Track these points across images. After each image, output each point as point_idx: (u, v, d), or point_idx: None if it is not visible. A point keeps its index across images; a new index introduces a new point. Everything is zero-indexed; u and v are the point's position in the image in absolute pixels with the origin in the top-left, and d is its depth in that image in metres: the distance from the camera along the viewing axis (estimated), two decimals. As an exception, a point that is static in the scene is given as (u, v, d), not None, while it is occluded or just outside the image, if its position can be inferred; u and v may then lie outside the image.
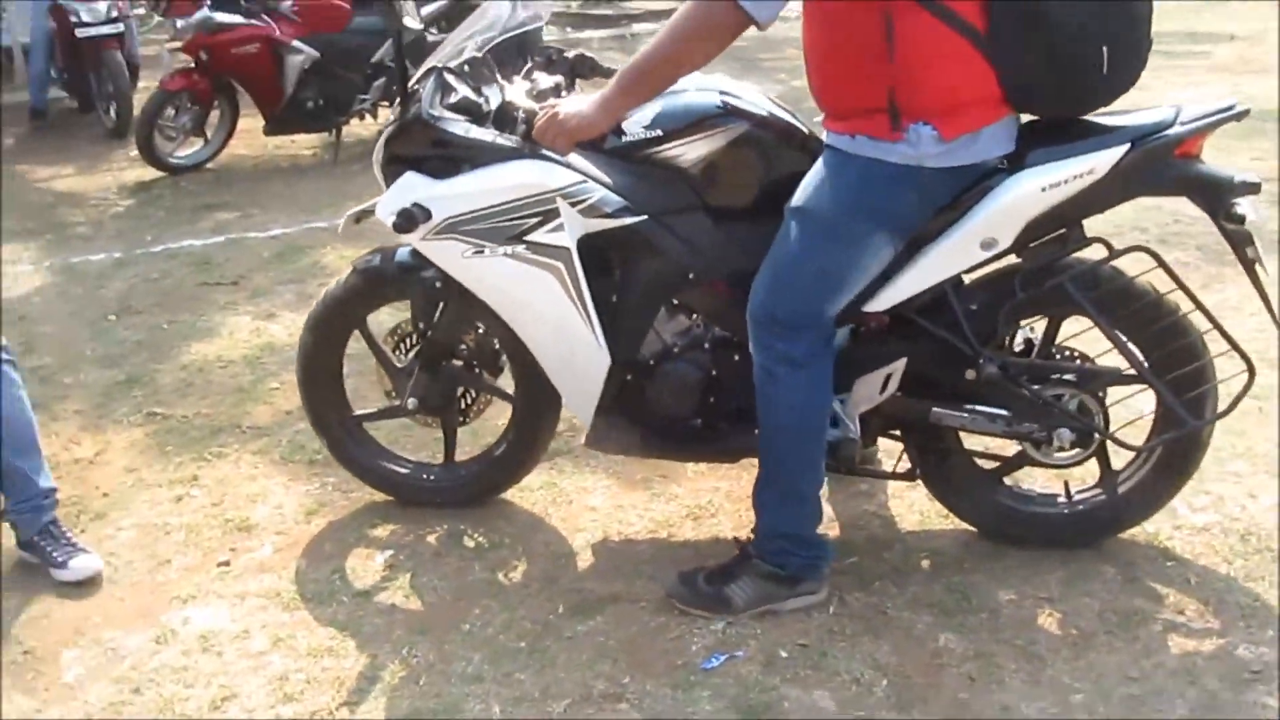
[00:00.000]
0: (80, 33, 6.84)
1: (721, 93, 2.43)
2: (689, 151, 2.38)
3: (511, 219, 2.39)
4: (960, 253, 2.29)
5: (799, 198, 2.26)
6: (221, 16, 6.00)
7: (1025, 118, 2.26)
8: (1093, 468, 2.54)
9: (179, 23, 6.04)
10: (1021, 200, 2.22)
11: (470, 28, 2.59)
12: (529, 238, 2.39)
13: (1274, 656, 2.23)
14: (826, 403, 2.33)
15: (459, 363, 2.74)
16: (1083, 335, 2.43)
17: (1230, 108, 2.27)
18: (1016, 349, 2.50)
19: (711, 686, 2.20)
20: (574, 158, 2.37)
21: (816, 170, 2.27)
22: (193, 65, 6.10)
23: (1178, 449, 2.48)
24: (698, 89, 2.42)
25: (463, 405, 2.81)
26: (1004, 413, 2.44)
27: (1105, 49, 2.12)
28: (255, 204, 5.74)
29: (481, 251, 2.42)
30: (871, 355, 2.45)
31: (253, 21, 6.07)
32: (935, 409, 2.46)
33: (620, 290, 2.48)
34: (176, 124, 6.14)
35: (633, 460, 2.90)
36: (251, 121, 6.51)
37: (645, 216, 2.40)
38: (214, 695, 2.24)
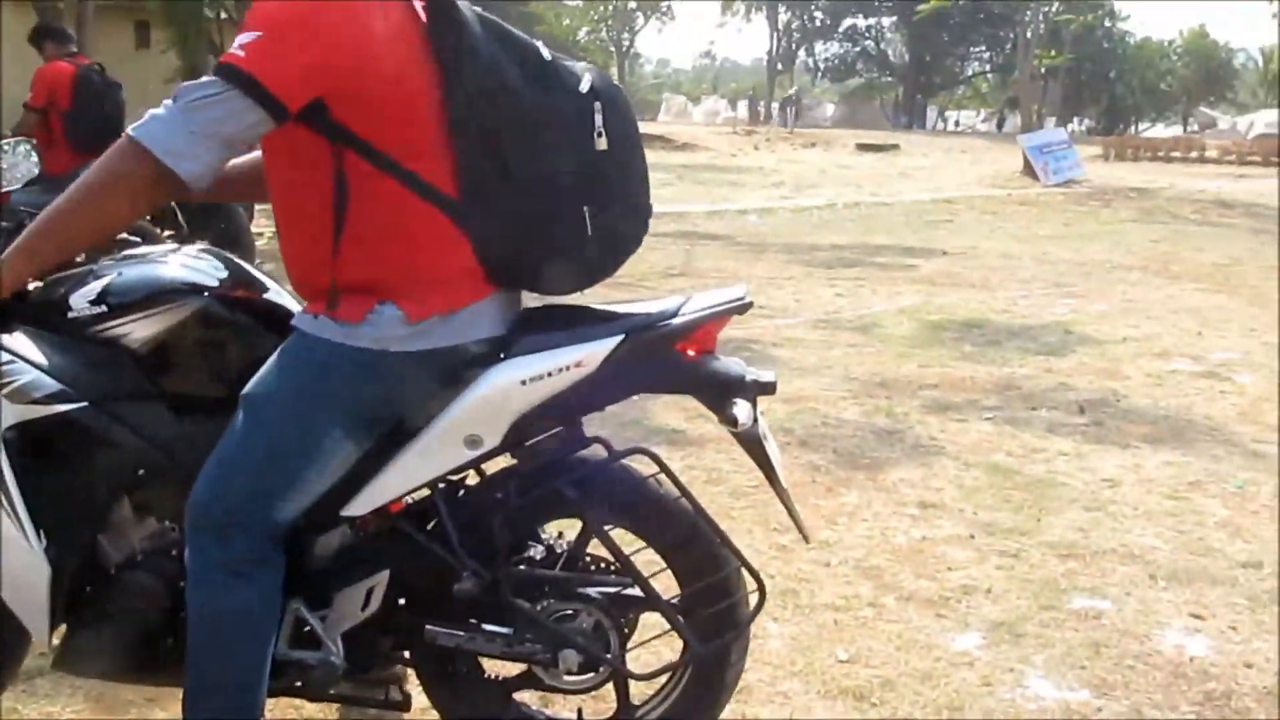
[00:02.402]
0: None
1: (185, 262, 2.07)
2: (137, 330, 2.07)
3: None
4: (442, 451, 2.03)
5: (252, 383, 1.97)
6: None
7: (536, 299, 2.07)
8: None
9: None
10: (499, 394, 1.99)
11: None
12: None
13: None
14: (268, 619, 1.94)
15: None
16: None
17: (739, 298, 2.09)
18: (537, 558, 2.22)
19: None
20: (9, 338, 2.03)
21: (277, 353, 1.98)
22: None
23: (699, 688, 2.26)
24: (159, 257, 2.16)
25: None
26: (505, 631, 2.17)
27: (586, 209, 1.93)
28: None
29: None
30: (352, 566, 2.16)
31: None
32: (430, 626, 2.17)
33: (64, 488, 2.10)
34: None
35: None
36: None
37: (86, 404, 2.06)
38: None
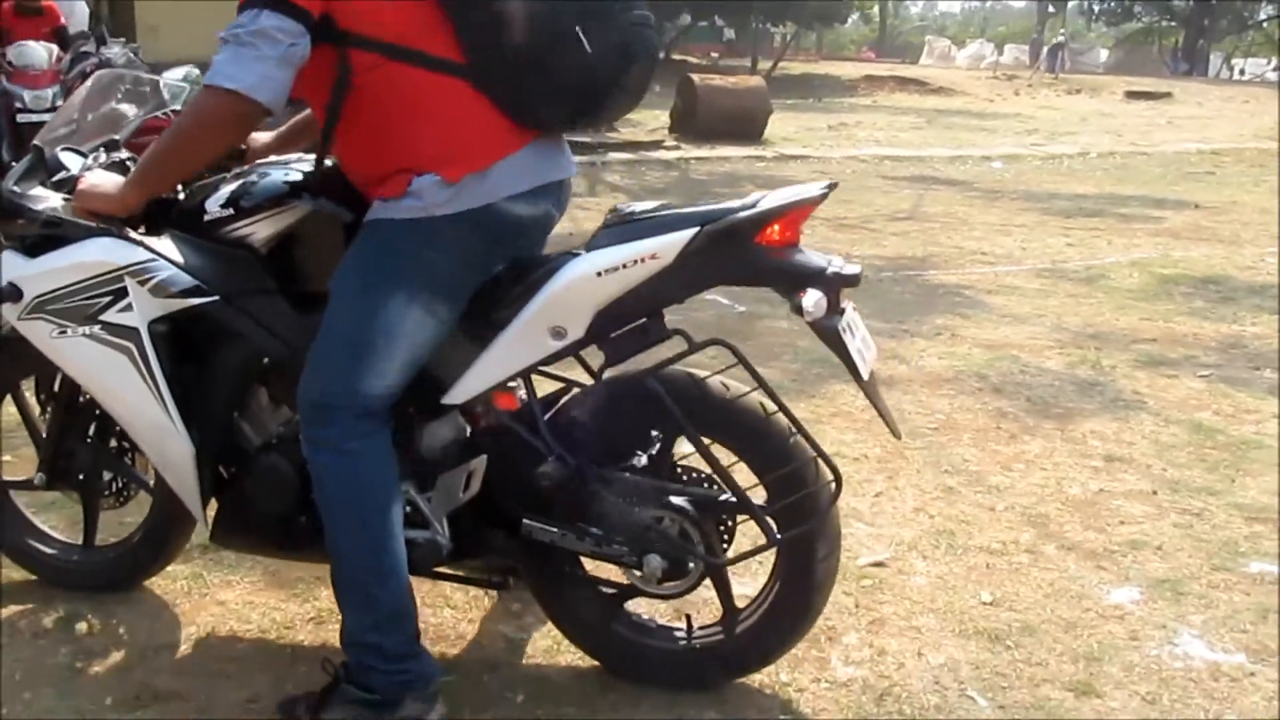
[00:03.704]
0: (21, 118, 7.08)
1: (303, 169, 2.32)
2: (259, 231, 2.27)
3: (86, 298, 2.28)
4: (530, 342, 2.15)
5: (335, 273, 2.14)
6: None
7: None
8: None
9: None
10: (577, 285, 2.09)
11: (89, 102, 2.59)
12: (102, 318, 2.28)
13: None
14: (382, 497, 2.08)
15: (98, 441, 2.68)
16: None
17: (818, 192, 2.11)
18: (624, 458, 2.30)
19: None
20: (157, 240, 2.29)
21: (353, 245, 2.16)
22: None
23: (791, 586, 2.32)
24: (281, 165, 2.34)
25: (114, 487, 2.74)
26: (595, 531, 2.27)
27: (578, 28, 2.02)
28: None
29: (65, 332, 2.32)
30: (453, 451, 2.32)
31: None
32: (526, 520, 2.30)
33: (201, 375, 2.37)
34: None
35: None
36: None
37: (217, 298, 2.29)
38: None
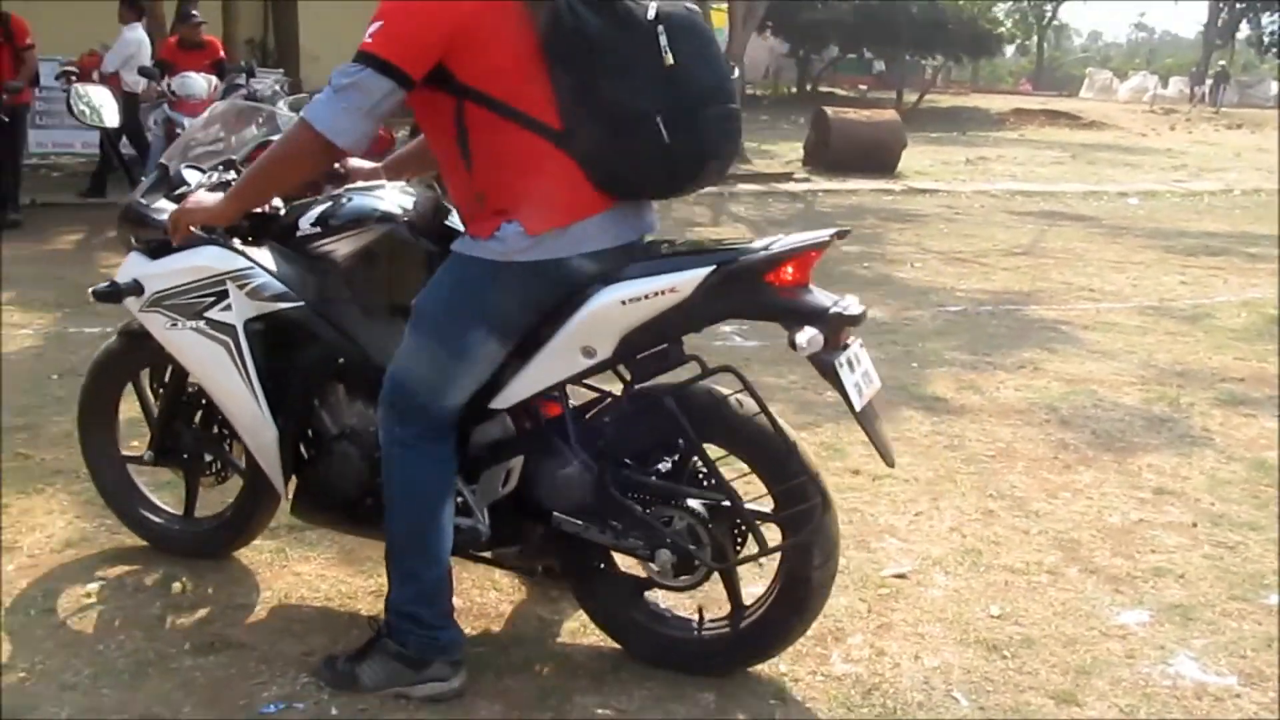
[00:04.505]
0: None
1: (385, 195, 2.67)
2: (341, 247, 2.64)
3: (194, 297, 2.69)
4: (564, 359, 2.42)
5: (420, 294, 2.44)
6: None
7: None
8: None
9: None
10: (605, 311, 2.35)
11: (210, 126, 2.99)
12: (206, 314, 2.69)
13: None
14: (439, 490, 2.41)
15: (202, 427, 3.07)
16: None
17: (825, 237, 2.35)
18: (643, 465, 2.57)
19: (250, 725, 2.44)
20: (257, 251, 2.69)
21: (439, 271, 2.44)
22: None
23: (790, 588, 2.55)
24: (363, 192, 2.70)
25: (214, 468, 3.12)
26: (615, 525, 2.54)
27: (659, 118, 2.24)
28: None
29: (176, 324, 2.74)
30: (496, 450, 2.61)
31: None
32: (557, 513, 2.57)
33: (286, 369, 2.72)
34: None
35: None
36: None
37: (302, 303, 2.67)
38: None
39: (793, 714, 2.53)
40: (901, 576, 3.18)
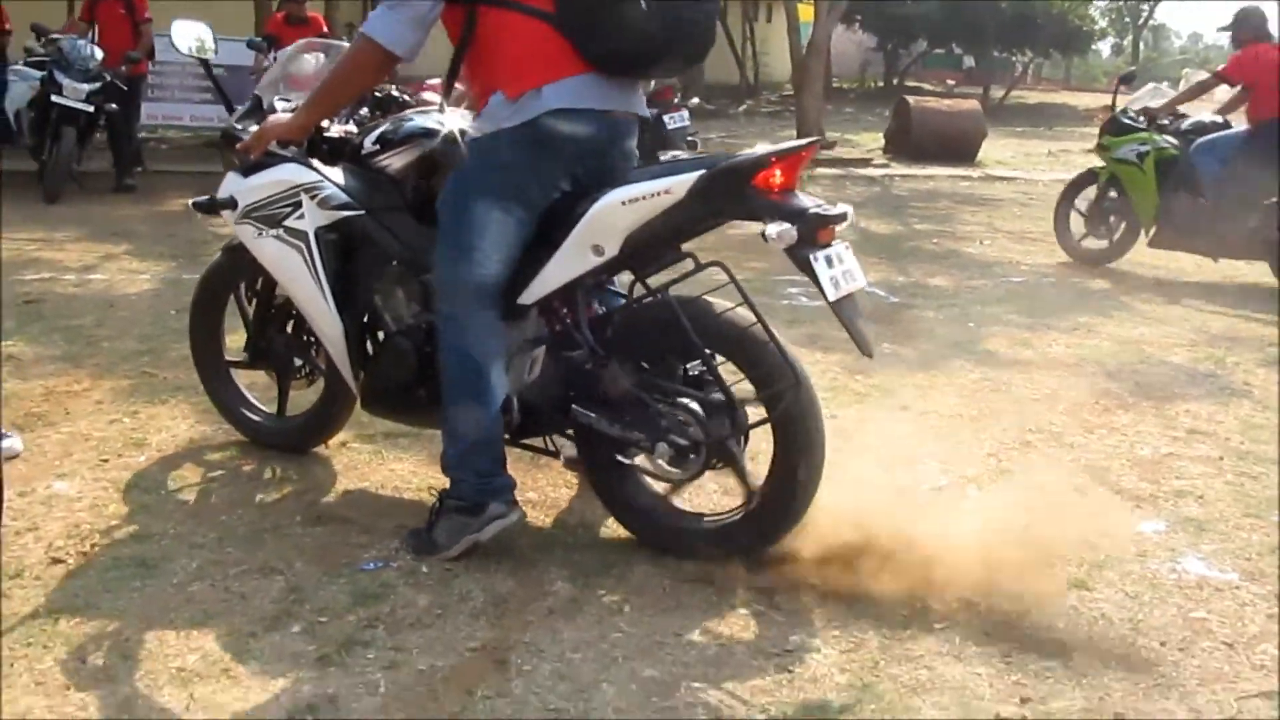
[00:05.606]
0: None
1: (433, 116, 3.05)
2: (395, 161, 3.04)
3: (276, 208, 3.10)
4: (577, 257, 2.73)
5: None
6: None
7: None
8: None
9: None
10: (607, 211, 2.65)
11: (293, 61, 3.41)
12: (285, 223, 3.09)
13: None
14: (485, 351, 2.74)
15: (292, 334, 3.45)
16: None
17: (809, 142, 2.66)
18: (674, 369, 2.85)
19: (352, 578, 2.79)
20: (331, 170, 3.09)
21: None
22: None
23: (782, 470, 2.75)
24: (419, 113, 3.13)
25: (303, 371, 3.50)
26: (624, 418, 2.80)
27: None
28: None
29: (261, 234, 3.15)
30: (522, 341, 2.92)
31: None
32: (575, 405, 2.85)
33: (352, 270, 3.10)
34: None
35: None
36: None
37: (364, 212, 3.05)
38: (20, 526, 3.02)
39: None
40: (938, 490, 3.46)
